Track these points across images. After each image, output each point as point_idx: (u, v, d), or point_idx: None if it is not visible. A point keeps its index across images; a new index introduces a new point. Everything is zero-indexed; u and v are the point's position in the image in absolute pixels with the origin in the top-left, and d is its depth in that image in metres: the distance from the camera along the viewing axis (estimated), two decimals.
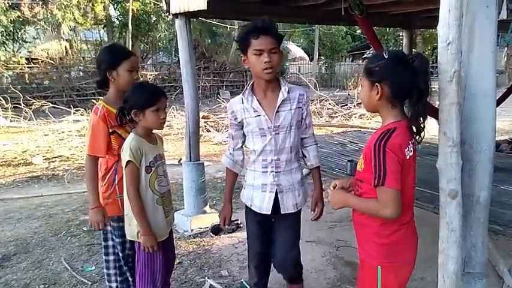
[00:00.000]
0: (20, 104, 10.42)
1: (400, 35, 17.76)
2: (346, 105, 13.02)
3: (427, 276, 2.86)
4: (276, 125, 2.01)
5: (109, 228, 2.30)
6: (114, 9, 18.32)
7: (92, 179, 2.21)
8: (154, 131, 2.15)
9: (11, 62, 14.56)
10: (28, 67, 14.72)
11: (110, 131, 2.17)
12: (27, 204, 4.87)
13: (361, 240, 1.74)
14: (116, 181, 2.21)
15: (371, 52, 22.01)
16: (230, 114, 2.10)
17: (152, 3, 17.50)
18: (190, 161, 3.99)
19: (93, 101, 10.58)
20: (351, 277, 2.99)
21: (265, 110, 2.01)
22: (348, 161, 3.55)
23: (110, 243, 2.35)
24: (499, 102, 4.58)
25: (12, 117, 10.12)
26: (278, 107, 2.00)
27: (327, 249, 3.49)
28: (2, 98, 10.70)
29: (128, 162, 1.99)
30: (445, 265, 1.52)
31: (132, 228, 2.07)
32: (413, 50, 8.02)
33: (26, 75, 14.57)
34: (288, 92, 2.02)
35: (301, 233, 2.27)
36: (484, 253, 1.72)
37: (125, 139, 2.09)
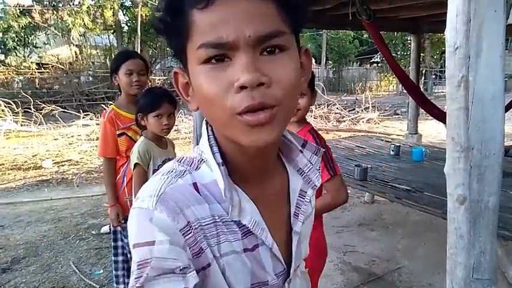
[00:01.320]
0: (30, 109, 10.57)
1: (408, 39, 17.71)
2: (354, 109, 12.99)
3: (435, 282, 2.83)
4: (296, 264, 0.74)
5: (119, 228, 2.33)
6: (123, 14, 18.54)
7: (105, 178, 2.29)
8: None
9: (22, 67, 14.82)
10: (38, 72, 14.92)
11: (118, 132, 2.21)
12: (36, 208, 4.91)
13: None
14: (125, 183, 2.25)
15: (379, 56, 21.96)
16: (168, 241, 0.56)
17: None
18: None
19: (103, 105, 10.68)
20: (359, 282, 2.98)
21: (268, 225, 0.67)
22: (356, 165, 3.53)
23: (120, 243, 2.37)
24: (508, 107, 4.55)
25: (22, 121, 10.24)
26: (295, 213, 0.73)
27: (334, 254, 3.48)
28: (12, 103, 10.85)
29: (135, 165, 2.02)
30: (453, 271, 1.51)
31: None
32: (421, 54, 7.99)
33: (37, 80, 14.80)
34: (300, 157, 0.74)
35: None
36: (493, 259, 1.70)
37: (135, 141, 2.13)
